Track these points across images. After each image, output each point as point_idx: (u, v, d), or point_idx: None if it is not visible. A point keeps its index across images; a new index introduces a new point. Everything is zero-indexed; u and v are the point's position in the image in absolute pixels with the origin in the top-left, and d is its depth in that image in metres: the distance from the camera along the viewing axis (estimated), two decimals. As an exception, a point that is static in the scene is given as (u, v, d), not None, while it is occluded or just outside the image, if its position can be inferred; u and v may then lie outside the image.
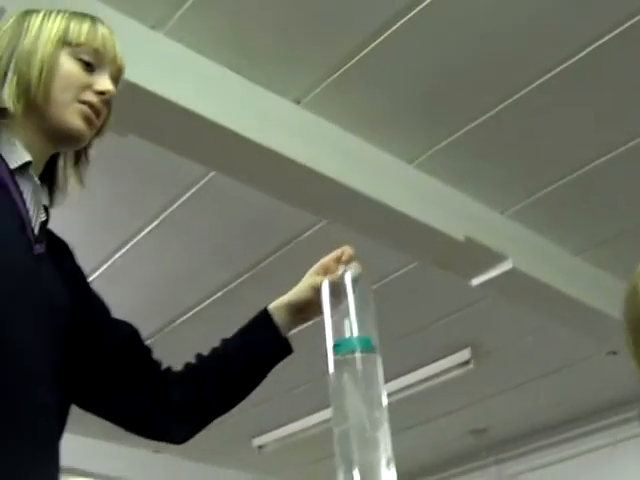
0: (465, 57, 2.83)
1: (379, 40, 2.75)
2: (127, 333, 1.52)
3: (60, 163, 1.44)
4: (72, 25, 1.38)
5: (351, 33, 2.75)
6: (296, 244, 3.79)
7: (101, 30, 1.41)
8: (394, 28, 2.70)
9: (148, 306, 4.11)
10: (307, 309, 1.54)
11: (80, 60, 1.37)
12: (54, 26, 1.37)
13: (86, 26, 1.39)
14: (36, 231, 1.32)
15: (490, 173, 3.42)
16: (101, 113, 1.39)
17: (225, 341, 1.57)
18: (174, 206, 3.54)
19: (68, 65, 1.36)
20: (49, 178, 1.42)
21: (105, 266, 3.84)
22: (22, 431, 1.19)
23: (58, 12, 1.40)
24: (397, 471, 1.22)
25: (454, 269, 3.64)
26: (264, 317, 1.56)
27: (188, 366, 1.55)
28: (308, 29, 2.71)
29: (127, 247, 3.81)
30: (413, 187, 3.32)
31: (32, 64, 1.33)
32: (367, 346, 1.29)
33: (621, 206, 3.66)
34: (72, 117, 1.35)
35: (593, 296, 3.91)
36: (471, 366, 4.71)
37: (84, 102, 1.36)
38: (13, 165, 1.30)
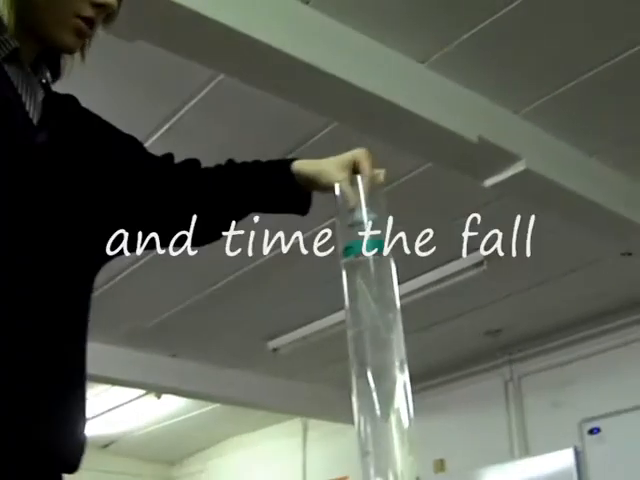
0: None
1: None
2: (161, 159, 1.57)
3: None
4: None
5: None
6: (308, 147, 3.75)
7: None
8: None
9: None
10: (320, 190, 1.45)
11: None
12: None
13: None
14: (35, 118, 1.26)
15: (503, 72, 3.35)
16: (97, 24, 1.31)
17: (247, 167, 1.53)
18: (182, 112, 3.51)
19: None
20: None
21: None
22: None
23: None
24: (411, 372, 1.22)
25: (467, 170, 3.60)
26: (287, 168, 1.48)
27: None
28: None
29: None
30: (425, 87, 3.25)
31: None
32: (379, 248, 1.28)
33: (638, 106, 3.58)
34: (66, 35, 1.28)
35: (608, 197, 3.87)
36: (485, 267, 4.71)
37: (81, 17, 1.27)
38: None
